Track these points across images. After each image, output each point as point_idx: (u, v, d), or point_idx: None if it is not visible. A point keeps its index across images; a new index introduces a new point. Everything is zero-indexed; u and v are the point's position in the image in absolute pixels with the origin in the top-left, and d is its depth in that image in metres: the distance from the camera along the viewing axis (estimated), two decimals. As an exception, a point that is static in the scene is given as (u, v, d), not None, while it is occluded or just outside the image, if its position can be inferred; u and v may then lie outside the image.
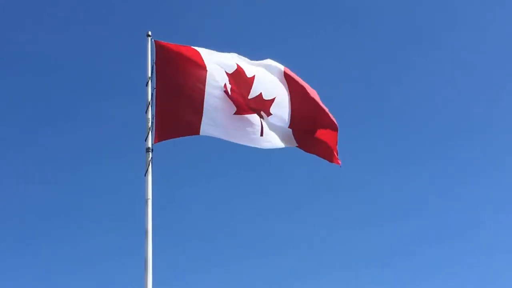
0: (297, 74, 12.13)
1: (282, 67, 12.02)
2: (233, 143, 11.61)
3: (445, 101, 31.25)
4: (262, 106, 11.65)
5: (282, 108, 11.80)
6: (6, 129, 28.02)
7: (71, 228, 26.36)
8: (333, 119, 11.84)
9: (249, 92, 11.63)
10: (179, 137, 11.41)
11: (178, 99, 11.40)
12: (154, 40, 11.63)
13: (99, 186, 27.70)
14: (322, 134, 11.87)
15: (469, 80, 31.33)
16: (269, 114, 11.68)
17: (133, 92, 23.67)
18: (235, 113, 11.48)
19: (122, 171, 26.12)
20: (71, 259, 25.15)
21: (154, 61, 11.53)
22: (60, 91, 29.32)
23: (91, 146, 28.39)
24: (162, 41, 11.62)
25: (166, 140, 11.34)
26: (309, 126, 11.83)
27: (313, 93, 11.92)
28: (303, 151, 11.92)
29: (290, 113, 11.84)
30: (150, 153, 11.06)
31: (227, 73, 11.58)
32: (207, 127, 11.40)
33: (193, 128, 11.39)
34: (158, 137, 11.20)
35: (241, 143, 11.59)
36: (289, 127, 11.79)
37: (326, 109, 11.85)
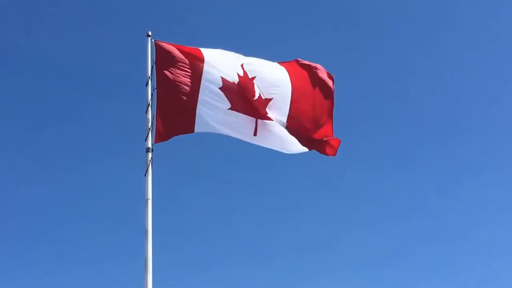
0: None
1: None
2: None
3: (445, 101, 31.28)
4: (263, 106, 11.69)
5: (279, 108, 11.83)
6: (6, 129, 28.03)
7: (71, 228, 26.37)
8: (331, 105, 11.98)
9: (254, 94, 11.68)
10: (177, 135, 11.43)
11: (178, 99, 11.41)
12: (154, 40, 11.64)
13: (99, 186, 27.72)
14: (318, 129, 11.97)
15: (469, 80, 31.35)
16: (266, 114, 11.71)
17: (133, 92, 23.71)
18: (229, 109, 11.49)
19: (122, 171, 26.13)
20: (71, 259, 25.17)
21: (154, 61, 11.55)
22: (60, 91, 29.34)
23: (91, 146, 28.41)
24: (162, 41, 11.64)
25: (166, 141, 11.36)
26: (306, 123, 11.89)
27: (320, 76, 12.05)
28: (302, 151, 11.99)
29: (288, 111, 11.85)
30: (150, 153, 11.06)
31: (225, 76, 11.62)
32: (200, 124, 11.41)
33: (188, 126, 11.40)
34: (158, 137, 11.20)
35: (234, 136, 11.58)
36: (286, 126, 11.83)
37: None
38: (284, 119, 11.84)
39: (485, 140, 30.78)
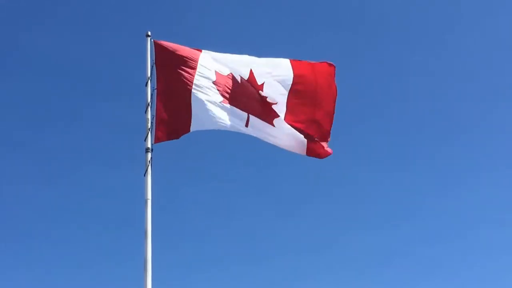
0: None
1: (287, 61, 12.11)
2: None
3: (446, 101, 31.26)
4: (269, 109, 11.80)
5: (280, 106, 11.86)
6: (5, 129, 28.03)
7: (71, 228, 26.36)
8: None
9: (258, 97, 11.78)
10: (178, 138, 11.40)
11: (178, 99, 11.40)
12: (154, 40, 11.63)
13: (98, 186, 27.71)
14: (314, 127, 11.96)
15: (469, 80, 31.34)
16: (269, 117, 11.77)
17: (132, 92, 23.72)
18: (221, 102, 11.47)
19: (122, 171, 26.13)
20: (70, 259, 25.17)
21: (154, 61, 11.54)
22: (59, 91, 29.33)
23: (90, 146, 28.41)
24: (162, 41, 11.63)
25: (166, 141, 11.34)
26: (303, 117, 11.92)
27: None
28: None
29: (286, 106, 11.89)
30: (150, 153, 11.05)
31: (222, 73, 11.61)
32: (195, 123, 11.39)
33: (185, 125, 11.39)
34: (158, 138, 11.19)
35: (224, 128, 11.51)
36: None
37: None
38: (282, 115, 11.83)
39: (485, 140, 30.82)
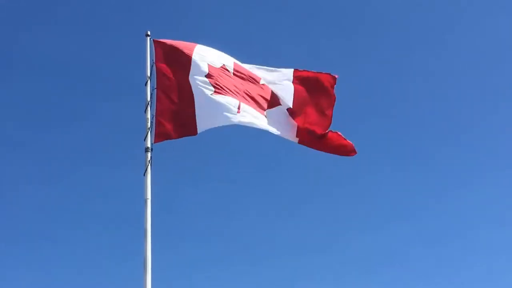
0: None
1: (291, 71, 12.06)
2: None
3: (446, 101, 31.25)
4: (273, 98, 11.77)
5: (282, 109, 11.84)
6: (5, 129, 28.03)
7: (71, 228, 26.36)
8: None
9: (260, 80, 11.75)
10: (179, 138, 11.37)
11: (178, 99, 11.37)
12: (154, 40, 11.62)
13: (98, 186, 27.70)
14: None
15: (470, 81, 31.33)
16: (278, 104, 11.78)
17: (132, 92, 23.70)
18: (211, 94, 11.39)
19: (122, 171, 26.11)
20: (70, 258, 25.16)
21: (154, 60, 11.52)
22: (59, 91, 29.32)
23: (90, 145, 28.39)
24: (161, 39, 11.62)
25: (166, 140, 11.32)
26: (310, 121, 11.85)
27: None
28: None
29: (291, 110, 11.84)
30: (149, 153, 11.03)
31: (213, 65, 11.58)
32: (201, 124, 11.35)
33: (191, 128, 11.34)
34: (158, 137, 11.16)
35: (219, 124, 11.44)
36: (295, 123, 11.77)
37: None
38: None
39: (486, 141, 30.80)
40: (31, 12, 29.53)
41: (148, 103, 11.31)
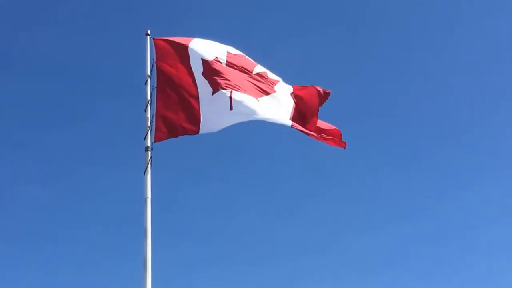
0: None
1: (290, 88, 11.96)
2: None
3: (446, 101, 31.25)
4: (266, 84, 11.63)
5: (284, 94, 11.72)
6: (5, 128, 28.03)
7: (71, 227, 26.35)
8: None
9: (253, 68, 11.67)
10: (179, 136, 11.36)
11: (179, 98, 11.36)
12: (154, 39, 11.62)
13: (98, 185, 27.70)
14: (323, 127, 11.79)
15: (471, 81, 31.34)
16: (272, 91, 11.63)
17: (132, 91, 23.71)
18: (212, 94, 11.34)
19: (122, 170, 26.11)
20: (70, 258, 25.16)
21: (154, 60, 11.51)
22: (59, 91, 29.32)
23: (90, 145, 28.39)
24: (161, 38, 11.61)
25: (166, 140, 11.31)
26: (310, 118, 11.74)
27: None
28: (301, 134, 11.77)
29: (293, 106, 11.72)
30: (150, 152, 11.03)
31: (207, 58, 11.55)
32: (205, 125, 11.31)
33: (192, 127, 11.32)
34: (158, 137, 11.15)
35: (220, 127, 11.38)
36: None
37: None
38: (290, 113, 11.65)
39: (486, 140, 30.80)
40: (31, 12, 29.56)
41: (148, 102, 11.31)
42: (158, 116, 11.20)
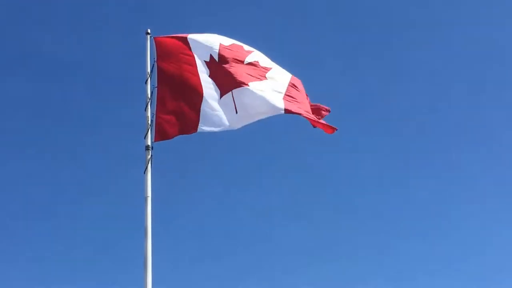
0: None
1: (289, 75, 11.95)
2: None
3: (446, 101, 31.24)
4: (257, 71, 11.58)
5: (278, 79, 11.66)
6: (5, 128, 28.06)
7: (70, 226, 26.37)
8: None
9: (245, 58, 11.63)
10: (179, 135, 11.36)
11: (179, 97, 11.37)
12: (154, 38, 11.64)
13: (98, 184, 27.71)
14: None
15: (472, 81, 31.33)
16: (264, 78, 11.56)
17: (132, 90, 23.70)
18: (220, 97, 11.33)
19: (122, 169, 26.13)
20: (70, 257, 25.15)
21: (155, 59, 11.53)
22: (59, 90, 29.31)
23: (90, 144, 28.41)
24: (161, 37, 11.63)
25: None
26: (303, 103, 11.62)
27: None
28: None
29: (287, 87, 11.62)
30: (150, 151, 11.05)
31: (213, 52, 11.59)
32: (204, 124, 11.31)
33: (192, 125, 11.33)
34: (158, 136, 11.16)
35: (225, 128, 11.40)
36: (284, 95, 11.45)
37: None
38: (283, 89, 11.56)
39: (485, 140, 30.79)
40: (31, 11, 29.56)
41: (149, 101, 11.33)
42: (158, 116, 11.21)
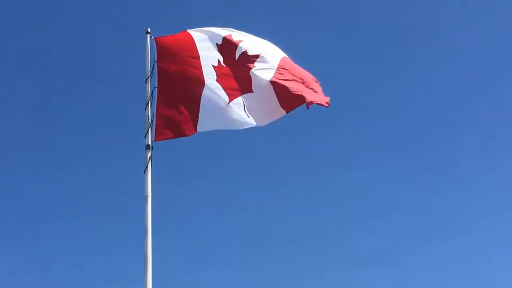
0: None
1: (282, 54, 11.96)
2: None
3: (446, 100, 31.24)
4: (247, 62, 11.52)
5: (267, 62, 11.62)
6: (5, 127, 28.05)
7: (70, 225, 26.36)
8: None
9: (235, 53, 11.59)
10: (180, 137, 11.35)
11: (180, 97, 11.37)
12: (154, 38, 11.63)
13: (98, 183, 27.68)
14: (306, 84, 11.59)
15: (473, 81, 31.33)
16: (253, 66, 11.49)
17: (133, 89, 23.71)
18: (228, 102, 11.31)
19: (122, 168, 26.12)
20: (69, 256, 25.16)
21: (155, 59, 11.52)
22: (59, 89, 29.33)
23: (90, 143, 28.40)
24: (162, 37, 11.62)
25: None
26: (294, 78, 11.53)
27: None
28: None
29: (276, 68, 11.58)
30: (150, 151, 11.05)
31: (218, 45, 11.60)
32: (204, 123, 11.30)
33: (192, 126, 11.32)
34: (159, 136, 11.16)
35: (235, 128, 11.42)
36: (271, 79, 11.34)
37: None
38: (271, 73, 11.46)
39: (486, 141, 30.78)
40: (31, 11, 29.55)
41: (149, 101, 11.33)
42: (159, 116, 11.20)
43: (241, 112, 11.23)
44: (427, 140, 30.48)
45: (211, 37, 11.73)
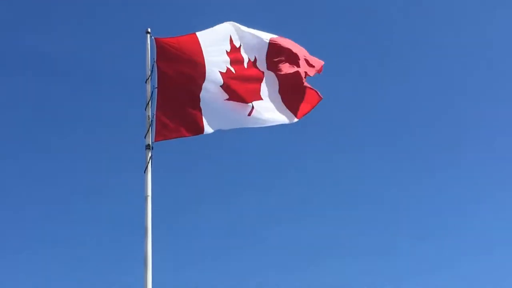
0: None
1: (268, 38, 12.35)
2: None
3: (446, 100, 31.25)
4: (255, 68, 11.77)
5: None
6: (5, 127, 28.06)
7: (70, 226, 26.35)
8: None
9: (243, 62, 11.76)
10: (182, 137, 11.36)
11: (180, 97, 11.38)
12: (155, 38, 11.62)
13: (98, 183, 27.69)
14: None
15: (473, 81, 31.34)
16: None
17: (133, 89, 23.70)
18: (226, 99, 11.41)
19: (122, 168, 26.12)
20: (70, 256, 25.16)
21: (155, 59, 11.51)
22: (59, 89, 29.32)
23: (90, 143, 28.42)
24: (163, 38, 11.61)
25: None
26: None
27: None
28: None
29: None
30: (150, 151, 11.05)
31: (226, 52, 11.66)
32: (209, 124, 11.34)
33: (196, 127, 11.33)
34: (159, 136, 11.16)
35: (230, 127, 11.50)
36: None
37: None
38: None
39: (485, 140, 30.79)
40: (31, 10, 29.56)
41: (149, 101, 11.33)
42: (159, 116, 11.20)
43: (243, 112, 11.32)
44: (427, 140, 30.55)
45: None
